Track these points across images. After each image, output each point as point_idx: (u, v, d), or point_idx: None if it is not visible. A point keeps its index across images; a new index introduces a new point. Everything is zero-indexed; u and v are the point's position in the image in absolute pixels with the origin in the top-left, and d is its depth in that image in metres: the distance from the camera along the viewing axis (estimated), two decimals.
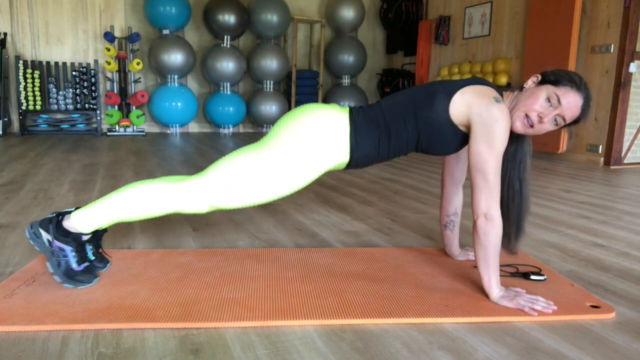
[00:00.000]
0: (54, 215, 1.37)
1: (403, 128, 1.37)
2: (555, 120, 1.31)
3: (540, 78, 1.35)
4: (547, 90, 1.30)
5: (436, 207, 2.56)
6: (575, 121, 1.33)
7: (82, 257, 1.36)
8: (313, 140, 1.32)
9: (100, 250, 1.50)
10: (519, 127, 1.34)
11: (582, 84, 1.30)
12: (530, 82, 1.37)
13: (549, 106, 1.30)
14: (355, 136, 1.34)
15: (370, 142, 1.36)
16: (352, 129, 1.34)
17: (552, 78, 1.32)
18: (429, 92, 1.37)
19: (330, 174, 3.61)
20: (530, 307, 1.26)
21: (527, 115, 1.32)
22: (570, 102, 1.29)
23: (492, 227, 1.28)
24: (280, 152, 1.31)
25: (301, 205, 2.54)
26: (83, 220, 1.35)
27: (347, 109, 1.39)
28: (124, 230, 1.96)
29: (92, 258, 1.45)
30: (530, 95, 1.33)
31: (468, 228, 2.14)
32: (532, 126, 1.32)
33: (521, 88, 1.39)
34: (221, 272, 1.50)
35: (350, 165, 1.39)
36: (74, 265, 1.34)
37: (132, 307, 1.22)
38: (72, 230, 1.35)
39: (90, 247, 1.45)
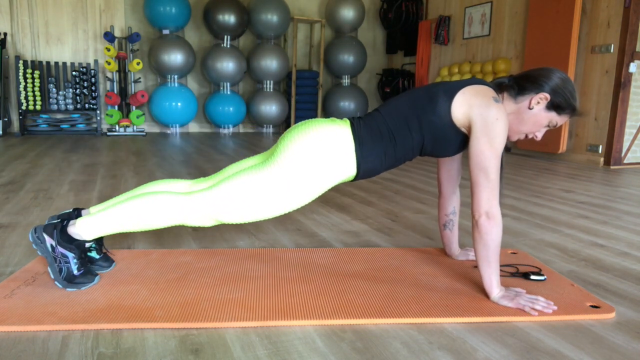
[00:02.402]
0: (59, 221, 1.37)
1: (408, 135, 1.36)
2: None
3: (549, 100, 1.35)
4: (551, 118, 1.38)
5: (436, 207, 2.56)
6: None
7: (83, 264, 1.37)
8: (319, 159, 1.32)
9: (105, 250, 1.51)
10: (515, 139, 1.45)
11: (579, 107, 1.40)
12: (537, 99, 1.36)
13: (547, 127, 1.41)
14: (360, 151, 1.34)
15: (377, 155, 1.36)
16: (357, 144, 1.34)
17: (559, 108, 1.36)
18: (430, 96, 1.37)
19: None
20: (531, 307, 1.26)
21: (526, 135, 1.43)
22: (565, 120, 1.41)
23: (493, 225, 1.28)
24: (286, 171, 1.31)
25: None
26: (88, 228, 1.35)
27: (348, 122, 1.38)
28: None
29: (97, 257, 1.46)
30: (535, 119, 1.38)
31: (467, 228, 2.14)
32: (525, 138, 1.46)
33: (519, 90, 1.38)
34: (221, 272, 1.50)
35: (358, 178, 1.40)
36: (75, 272, 1.34)
37: (132, 307, 1.22)
38: (76, 237, 1.35)
39: (95, 246, 1.45)
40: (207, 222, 1.35)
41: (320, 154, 1.32)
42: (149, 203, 1.32)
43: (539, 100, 1.36)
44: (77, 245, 1.35)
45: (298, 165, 1.31)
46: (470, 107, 1.32)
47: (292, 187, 1.31)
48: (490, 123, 1.28)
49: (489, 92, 1.34)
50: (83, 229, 1.35)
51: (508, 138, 1.43)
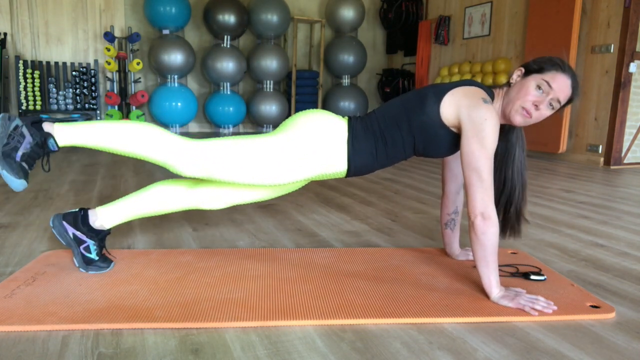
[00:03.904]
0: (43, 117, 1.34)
1: (397, 134, 1.41)
2: (551, 104, 1.35)
3: (524, 70, 1.39)
4: (535, 79, 1.35)
5: (436, 207, 2.56)
6: (570, 100, 1.37)
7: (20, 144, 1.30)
8: (314, 138, 1.37)
9: (104, 251, 1.52)
10: (520, 120, 1.37)
11: (565, 64, 1.35)
12: (515, 77, 1.41)
13: (541, 93, 1.34)
14: (352, 142, 1.39)
15: (368, 150, 1.40)
16: (350, 135, 1.40)
17: (536, 67, 1.36)
18: (420, 97, 1.41)
19: None
20: (531, 306, 1.26)
21: (523, 107, 1.35)
22: (560, 84, 1.33)
23: (489, 225, 1.28)
24: (283, 140, 1.36)
25: (301, 205, 2.54)
26: (64, 131, 1.31)
27: (347, 119, 1.44)
28: (124, 230, 1.96)
29: (96, 258, 1.46)
30: (520, 88, 1.37)
31: (467, 227, 2.14)
32: (530, 115, 1.35)
33: (508, 84, 1.43)
34: (221, 272, 1.50)
35: (350, 172, 1.43)
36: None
37: (132, 307, 1.22)
38: (47, 129, 1.31)
39: (95, 247, 1.46)
40: (192, 169, 1.34)
41: (317, 134, 1.37)
42: (139, 128, 1.33)
43: (517, 74, 1.40)
44: (41, 133, 1.29)
45: (295, 138, 1.36)
46: (459, 107, 1.34)
47: (284, 156, 1.35)
48: (479, 123, 1.29)
49: (479, 93, 1.36)
50: (58, 132, 1.30)
51: (515, 123, 1.38)
